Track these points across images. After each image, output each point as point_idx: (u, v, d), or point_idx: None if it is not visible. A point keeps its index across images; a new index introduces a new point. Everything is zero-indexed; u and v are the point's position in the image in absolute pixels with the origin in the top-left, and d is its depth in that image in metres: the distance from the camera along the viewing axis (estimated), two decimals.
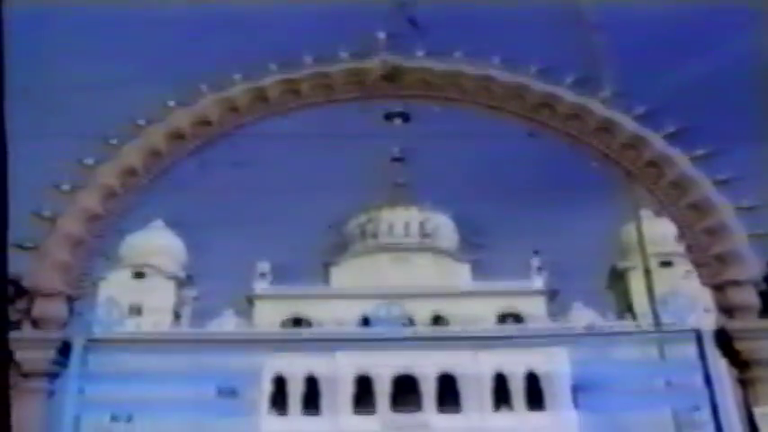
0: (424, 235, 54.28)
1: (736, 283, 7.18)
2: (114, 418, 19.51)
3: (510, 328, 45.07)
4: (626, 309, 43.68)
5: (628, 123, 7.77)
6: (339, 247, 55.06)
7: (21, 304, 7.20)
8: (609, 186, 9.10)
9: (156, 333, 32.82)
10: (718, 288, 7.27)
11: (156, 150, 7.80)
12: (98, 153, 7.77)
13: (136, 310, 42.79)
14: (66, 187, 7.61)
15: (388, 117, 9.00)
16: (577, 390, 7.26)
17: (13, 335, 6.80)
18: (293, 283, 50.47)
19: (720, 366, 7.13)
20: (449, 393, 43.93)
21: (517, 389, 43.94)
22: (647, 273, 31.07)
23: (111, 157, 7.72)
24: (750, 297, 7.18)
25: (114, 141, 7.77)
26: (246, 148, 8.49)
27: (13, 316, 7.05)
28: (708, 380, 7.03)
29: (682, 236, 7.52)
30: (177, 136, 7.86)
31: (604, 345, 7.58)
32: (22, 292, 7.20)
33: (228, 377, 7.33)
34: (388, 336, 7.91)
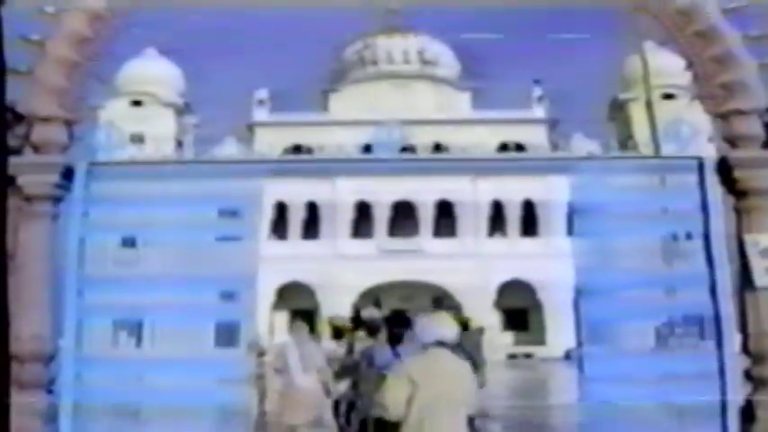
0: (424, 62, 53.37)
1: (742, 113, 7.11)
2: (125, 243, 20.07)
3: (510, 155, 45.48)
4: (628, 139, 43.79)
5: None
6: (337, 74, 54.30)
7: (19, 130, 7.16)
8: (612, 15, 8.75)
9: (158, 157, 33.05)
10: (723, 117, 7.22)
11: None
12: None
13: (138, 139, 42.94)
14: (51, 9, 7.32)
15: None
16: (572, 216, 7.35)
17: (13, 159, 6.83)
18: (293, 111, 50.23)
19: (717, 195, 7.21)
20: (446, 220, 45.02)
21: (513, 216, 45.04)
22: (649, 104, 30.85)
23: None
24: (754, 127, 7.15)
25: None
26: None
27: (13, 142, 7.04)
28: (704, 207, 7.13)
29: (688, 65, 7.36)
30: None
31: (604, 172, 7.60)
32: (20, 117, 7.15)
33: (230, 200, 7.42)
34: (388, 158, 7.93)
